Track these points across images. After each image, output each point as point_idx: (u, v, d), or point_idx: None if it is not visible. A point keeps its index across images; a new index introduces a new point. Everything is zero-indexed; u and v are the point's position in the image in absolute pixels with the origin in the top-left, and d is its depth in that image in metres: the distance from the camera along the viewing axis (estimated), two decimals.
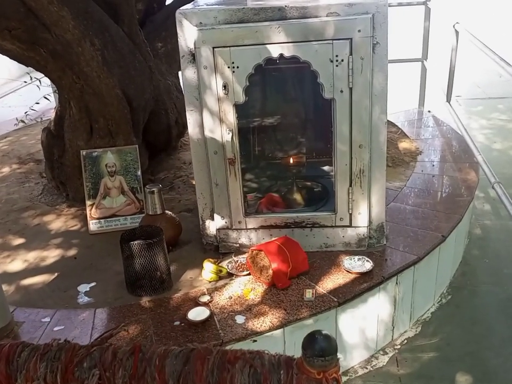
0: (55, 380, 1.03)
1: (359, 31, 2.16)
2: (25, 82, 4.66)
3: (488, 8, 10.34)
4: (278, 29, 2.18)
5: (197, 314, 2.16)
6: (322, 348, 0.93)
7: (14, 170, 4.03)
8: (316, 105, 2.99)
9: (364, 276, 2.37)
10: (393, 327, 2.55)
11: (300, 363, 0.95)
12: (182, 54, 2.32)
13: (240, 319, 2.16)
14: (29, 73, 4.07)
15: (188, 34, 2.27)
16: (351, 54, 2.19)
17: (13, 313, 2.29)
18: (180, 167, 3.75)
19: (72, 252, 2.83)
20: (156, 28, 3.66)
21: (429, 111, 4.62)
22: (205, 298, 2.28)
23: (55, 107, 3.52)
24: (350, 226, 2.52)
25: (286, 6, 2.21)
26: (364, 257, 2.47)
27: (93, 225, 3.02)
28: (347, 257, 2.49)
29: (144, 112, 3.33)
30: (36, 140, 4.45)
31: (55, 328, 2.21)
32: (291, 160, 2.96)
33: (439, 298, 2.83)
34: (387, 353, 2.49)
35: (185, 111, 2.44)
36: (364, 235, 2.53)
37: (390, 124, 4.05)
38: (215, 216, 2.57)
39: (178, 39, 2.30)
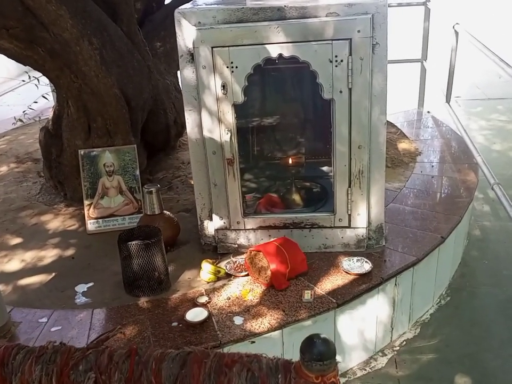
0: (51, 383, 1.02)
1: (358, 31, 2.15)
2: (23, 81, 4.66)
3: (488, 9, 10.34)
4: (277, 29, 2.17)
5: (195, 315, 2.15)
6: (320, 352, 0.91)
7: (12, 170, 4.02)
8: (315, 105, 2.98)
9: (362, 277, 2.37)
10: (392, 329, 2.54)
11: (298, 367, 0.94)
12: (180, 54, 2.31)
13: (238, 320, 2.15)
14: (27, 72, 4.07)
15: (186, 34, 2.26)
16: (350, 54, 2.19)
17: (10, 314, 2.28)
18: (178, 167, 3.74)
19: (69, 252, 2.82)
20: (155, 27, 3.65)
21: (428, 112, 4.61)
22: (203, 299, 2.27)
23: (53, 106, 3.51)
24: (349, 227, 2.51)
25: (285, 6, 2.20)
26: (363, 258, 2.47)
27: (90, 225, 3.00)
28: (346, 258, 2.48)
29: (143, 112, 3.32)
30: (34, 139, 4.43)
31: (52, 329, 2.20)
32: (290, 161, 2.96)
33: (438, 300, 2.82)
34: (386, 355, 2.48)
35: (183, 111, 2.43)
36: (362, 236, 2.52)
37: (389, 124, 4.05)
38: (214, 216, 2.56)
39: (177, 39, 2.29)
